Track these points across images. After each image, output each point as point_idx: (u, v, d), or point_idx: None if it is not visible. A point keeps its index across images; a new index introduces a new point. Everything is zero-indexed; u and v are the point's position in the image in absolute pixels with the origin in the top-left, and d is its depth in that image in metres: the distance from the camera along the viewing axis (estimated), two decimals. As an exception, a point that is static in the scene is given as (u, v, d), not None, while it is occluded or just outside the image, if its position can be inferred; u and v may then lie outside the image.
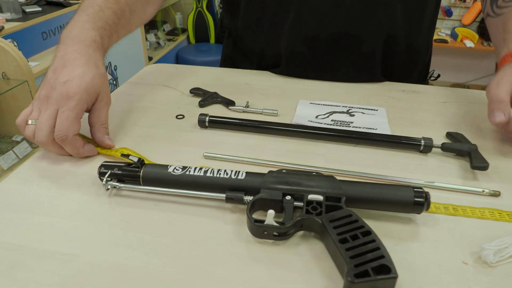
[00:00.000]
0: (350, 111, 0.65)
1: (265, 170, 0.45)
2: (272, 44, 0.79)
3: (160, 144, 0.56)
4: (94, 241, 0.39)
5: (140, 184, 0.45)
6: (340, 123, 0.61)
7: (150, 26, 3.03)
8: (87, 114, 0.53)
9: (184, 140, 0.57)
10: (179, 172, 0.44)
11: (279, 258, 0.38)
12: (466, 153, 0.53)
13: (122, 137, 0.57)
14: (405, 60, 0.79)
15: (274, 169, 0.44)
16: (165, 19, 3.26)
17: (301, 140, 0.57)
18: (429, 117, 0.65)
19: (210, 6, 3.14)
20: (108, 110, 0.55)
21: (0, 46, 1.40)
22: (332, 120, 0.62)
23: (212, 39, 3.22)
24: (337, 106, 0.66)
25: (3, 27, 1.54)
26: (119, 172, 0.45)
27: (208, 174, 0.43)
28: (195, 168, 0.44)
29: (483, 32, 2.86)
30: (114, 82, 2.16)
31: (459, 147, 0.53)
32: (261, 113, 0.64)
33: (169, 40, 3.04)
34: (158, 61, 2.69)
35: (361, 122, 0.61)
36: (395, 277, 0.32)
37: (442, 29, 3.01)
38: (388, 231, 0.41)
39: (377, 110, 0.65)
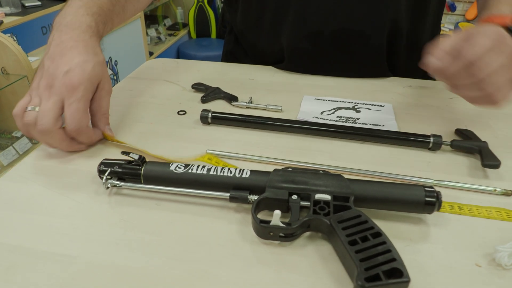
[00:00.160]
0: (356, 107, 0.63)
1: (269, 168, 0.44)
2: (274, 40, 0.77)
3: (162, 141, 0.54)
4: (93, 241, 0.38)
5: (141, 183, 0.43)
6: (346, 120, 0.59)
7: (151, 20, 3.01)
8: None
9: (186, 136, 0.56)
10: (181, 170, 0.43)
11: (285, 260, 0.36)
12: (477, 150, 0.51)
13: (123, 133, 0.56)
14: (410, 56, 0.78)
15: (279, 167, 0.43)
16: (166, 13, 3.24)
17: (306, 136, 0.56)
18: (437, 113, 0.63)
19: (211, 1, 3.11)
20: (109, 99, 0.53)
21: (-1, 41, 1.39)
22: (337, 116, 0.60)
23: (213, 34, 3.20)
24: (342, 102, 0.65)
25: (2, 22, 1.52)
26: (120, 170, 0.44)
27: (211, 173, 0.42)
28: (198, 166, 0.43)
29: (487, 27, 2.83)
30: (115, 77, 2.14)
31: (469, 144, 0.52)
32: (265, 109, 0.62)
33: (170, 35, 3.01)
34: (159, 56, 2.67)
35: (367, 118, 0.60)
36: (408, 281, 0.31)
37: (446, 24, 2.98)
38: (398, 232, 0.39)
39: (383, 106, 0.64)
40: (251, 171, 0.42)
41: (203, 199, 0.43)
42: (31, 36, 1.67)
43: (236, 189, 0.41)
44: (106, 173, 0.43)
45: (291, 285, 0.34)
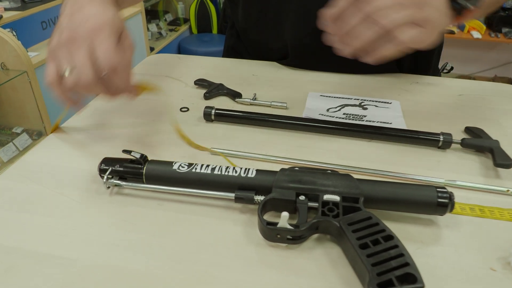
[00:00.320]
0: (362, 104, 0.62)
1: (275, 167, 0.43)
2: (277, 36, 0.76)
3: (164, 139, 0.53)
4: (93, 243, 0.37)
5: (143, 182, 0.42)
6: (352, 117, 0.58)
7: (152, 16, 2.98)
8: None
9: (189, 134, 0.54)
10: (184, 169, 0.41)
11: (293, 263, 0.35)
12: (488, 149, 0.50)
13: (123, 131, 0.54)
14: (415, 52, 0.76)
15: (285, 166, 0.41)
16: (166, 9, 3.21)
17: (312, 134, 0.54)
18: (445, 110, 0.62)
19: (212, -4, 3.09)
20: (132, 53, 0.48)
21: (-2, 36, 1.37)
22: (344, 114, 0.59)
23: (215, 30, 3.17)
24: (348, 98, 0.63)
25: (1, 16, 1.51)
26: (121, 169, 0.42)
27: (216, 172, 0.41)
28: (202, 165, 0.41)
29: (490, 23, 2.81)
30: (116, 73, 2.12)
31: (480, 143, 0.50)
32: (270, 106, 0.61)
33: (171, 30, 2.99)
34: (160, 52, 2.65)
35: (374, 116, 0.58)
36: (422, 287, 0.30)
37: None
38: (408, 234, 0.38)
39: (390, 103, 0.62)
40: (257, 170, 0.41)
41: (207, 200, 0.42)
42: (31, 31, 1.66)
43: (242, 189, 0.40)
44: (107, 172, 0.42)
45: (299, 290, 0.33)
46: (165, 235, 0.38)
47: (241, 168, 0.41)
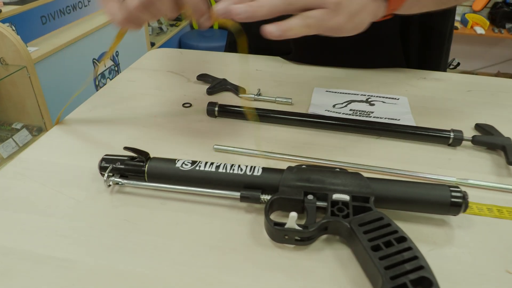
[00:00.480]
0: (369, 99, 0.60)
1: (281, 164, 0.41)
2: None
3: (166, 135, 0.51)
4: (94, 244, 0.35)
5: (145, 180, 0.41)
6: (359, 113, 0.56)
7: (152, 10, 2.95)
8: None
9: (192, 130, 0.53)
10: (188, 167, 0.40)
11: (301, 265, 0.34)
12: (500, 146, 0.48)
13: (124, 128, 0.53)
14: (423, 46, 0.74)
15: (291, 164, 0.40)
16: (167, 3, 3.18)
17: (319, 131, 0.53)
18: (454, 106, 0.60)
19: (213, -10, 3.06)
20: None
21: (-3, 31, 1.36)
22: (350, 110, 0.57)
23: (216, 25, 3.15)
24: (355, 94, 0.62)
25: (0, 11, 1.49)
26: (122, 166, 0.41)
27: (220, 170, 0.39)
28: (206, 163, 0.40)
29: (494, 19, 2.78)
30: (116, 69, 2.11)
31: (492, 140, 0.49)
32: (274, 102, 0.59)
33: (171, 25, 2.97)
34: (161, 47, 2.63)
35: (382, 112, 0.57)
36: (438, 292, 0.28)
37: (452, 15, 2.92)
38: (421, 235, 0.37)
39: (398, 99, 0.61)
40: (263, 168, 0.39)
41: (211, 199, 0.40)
42: (31, 25, 1.64)
43: (247, 188, 0.38)
44: (108, 170, 0.41)
45: (308, 294, 0.31)
46: (168, 236, 0.36)
47: (246, 166, 0.39)
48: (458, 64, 0.88)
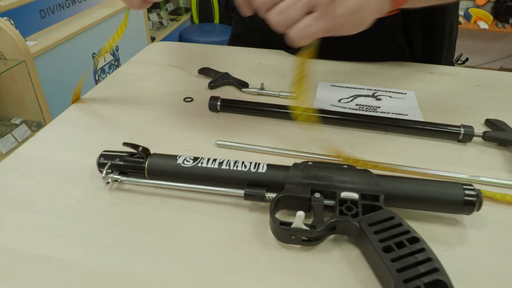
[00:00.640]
0: (376, 94, 0.59)
1: (285, 160, 0.40)
2: None
3: (167, 130, 0.50)
4: (92, 244, 0.34)
5: (145, 178, 0.39)
6: (366, 108, 0.55)
7: (153, 5, 2.93)
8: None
9: (194, 125, 0.51)
10: (190, 163, 0.38)
11: (308, 267, 0.32)
12: (512, 143, 0.47)
13: (123, 123, 0.51)
14: (425, 41, 0.73)
15: (298, 161, 0.38)
16: (168, -2, 3.16)
17: (324, 126, 0.51)
18: (462, 101, 0.58)
19: (214, -15, 3.03)
20: None
21: (-4, 24, 1.34)
22: (356, 105, 0.56)
23: (217, 19, 3.12)
24: (361, 89, 0.60)
25: (-2, 4, 1.47)
26: (121, 163, 0.39)
27: (223, 167, 0.38)
28: (209, 160, 0.38)
29: (497, 13, 2.75)
30: (116, 64, 2.09)
31: (504, 136, 0.47)
32: (278, 96, 0.57)
33: (172, 20, 2.94)
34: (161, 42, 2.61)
35: (389, 107, 0.55)
36: (453, 296, 0.27)
37: (455, 9, 2.90)
38: (432, 235, 0.35)
39: (405, 93, 0.59)
40: (268, 165, 0.38)
41: (214, 196, 0.39)
42: (29, 19, 1.62)
43: (251, 185, 0.37)
44: (106, 167, 0.39)
45: (316, 297, 0.30)
46: (169, 236, 0.35)
47: (250, 163, 0.38)
48: (467, 59, 0.85)
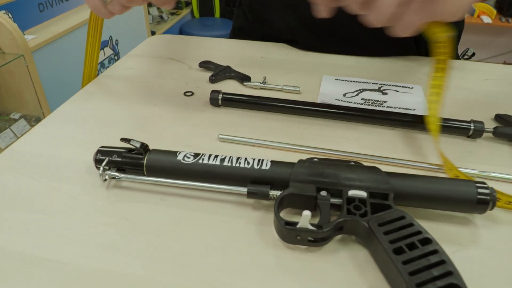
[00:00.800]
0: (381, 88, 0.57)
1: (289, 156, 0.38)
2: (286, 16, 0.70)
3: (167, 125, 0.48)
4: (88, 244, 0.32)
5: (143, 174, 0.38)
6: (372, 103, 0.53)
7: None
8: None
9: (195, 120, 0.49)
10: (190, 160, 0.37)
11: (314, 268, 0.31)
12: (524, 138, 0.45)
13: (122, 117, 0.50)
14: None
15: (302, 157, 0.37)
16: (168, -9, 3.13)
17: (329, 121, 0.50)
18: (471, 96, 0.57)
19: (215, -22, 3.00)
20: None
21: (-7, 18, 1.32)
22: (362, 99, 0.54)
23: (217, 13, 3.10)
24: (366, 83, 0.58)
25: (-4, -3, 1.45)
26: (119, 159, 0.38)
27: (225, 163, 0.36)
28: (210, 156, 0.37)
29: (501, 7, 2.72)
30: (116, 57, 2.07)
31: (515, 131, 0.46)
32: (281, 90, 0.56)
33: (172, 13, 2.92)
34: (161, 36, 2.59)
35: (395, 102, 0.54)
36: (469, 301, 0.26)
37: (458, 3, 2.86)
38: (444, 235, 0.34)
39: (412, 88, 0.57)
40: (272, 162, 0.36)
41: (215, 194, 0.37)
42: (28, 13, 1.60)
43: (255, 182, 0.35)
44: (104, 163, 0.38)
45: (323, 300, 0.28)
46: (168, 236, 0.33)
47: (254, 159, 0.36)
48: (474, 54, 0.84)
